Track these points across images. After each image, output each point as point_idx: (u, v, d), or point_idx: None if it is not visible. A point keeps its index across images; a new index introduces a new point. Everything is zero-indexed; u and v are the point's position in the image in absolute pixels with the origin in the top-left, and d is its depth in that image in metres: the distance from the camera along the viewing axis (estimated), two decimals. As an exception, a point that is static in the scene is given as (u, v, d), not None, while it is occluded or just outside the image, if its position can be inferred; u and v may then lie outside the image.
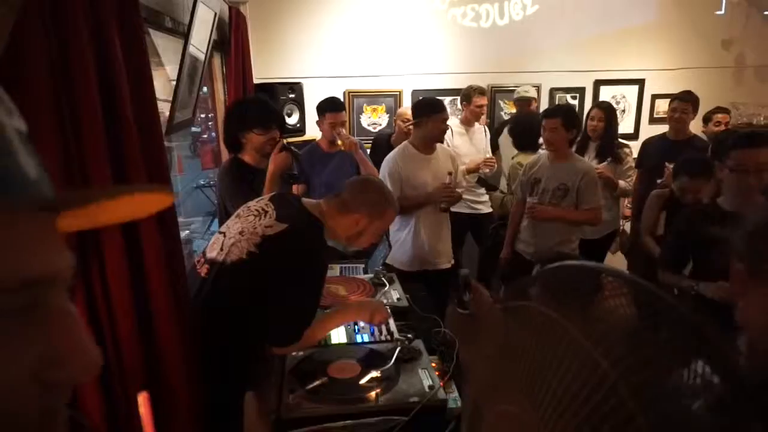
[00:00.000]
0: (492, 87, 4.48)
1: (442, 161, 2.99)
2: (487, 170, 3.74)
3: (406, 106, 3.79)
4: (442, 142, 3.08)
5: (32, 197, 0.34)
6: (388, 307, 2.06)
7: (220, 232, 1.76)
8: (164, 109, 2.33)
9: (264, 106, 2.52)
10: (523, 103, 3.99)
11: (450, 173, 2.91)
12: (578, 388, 0.59)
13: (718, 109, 4.06)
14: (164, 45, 2.52)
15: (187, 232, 3.17)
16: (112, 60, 1.04)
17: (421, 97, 3.44)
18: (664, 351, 0.57)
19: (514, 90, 4.13)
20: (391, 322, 1.95)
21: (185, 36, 2.22)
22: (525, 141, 3.63)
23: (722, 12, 4.58)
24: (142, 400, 1.09)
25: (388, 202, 1.80)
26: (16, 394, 0.33)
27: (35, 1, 0.67)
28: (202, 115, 4.09)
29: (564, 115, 2.92)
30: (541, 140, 3.24)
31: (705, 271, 2.14)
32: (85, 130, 0.95)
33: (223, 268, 1.63)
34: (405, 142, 3.03)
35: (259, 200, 1.80)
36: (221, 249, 1.66)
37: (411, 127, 3.50)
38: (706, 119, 4.06)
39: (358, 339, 1.86)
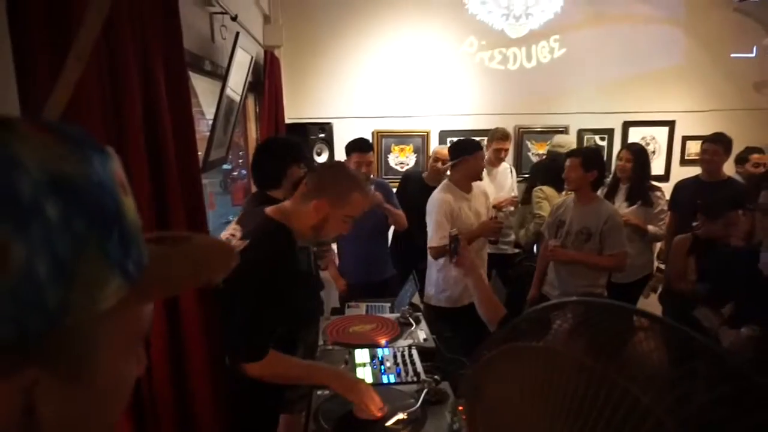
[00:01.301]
0: (520, 128, 4.50)
1: (479, 198, 3.12)
2: (512, 208, 3.77)
3: (442, 146, 3.89)
4: (481, 179, 3.15)
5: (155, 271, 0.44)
6: (415, 348, 2.03)
7: None
8: (200, 147, 2.41)
9: (300, 144, 2.65)
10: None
11: (495, 207, 3.09)
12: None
13: (753, 150, 3.97)
14: (202, 86, 2.64)
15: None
16: (158, 102, 1.10)
17: (456, 139, 3.53)
18: (704, 389, 0.57)
19: (542, 131, 4.15)
20: (418, 363, 1.92)
21: (223, 79, 2.32)
22: (549, 176, 3.63)
23: (753, 54, 4.57)
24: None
25: (353, 187, 1.67)
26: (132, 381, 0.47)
27: (96, 49, 0.72)
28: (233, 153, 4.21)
29: (584, 155, 2.93)
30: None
31: (746, 314, 2.09)
32: (132, 167, 0.99)
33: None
34: (447, 182, 3.11)
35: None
36: None
37: (443, 166, 3.57)
38: (741, 160, 3.97)
39: (384, 380, 1.84)
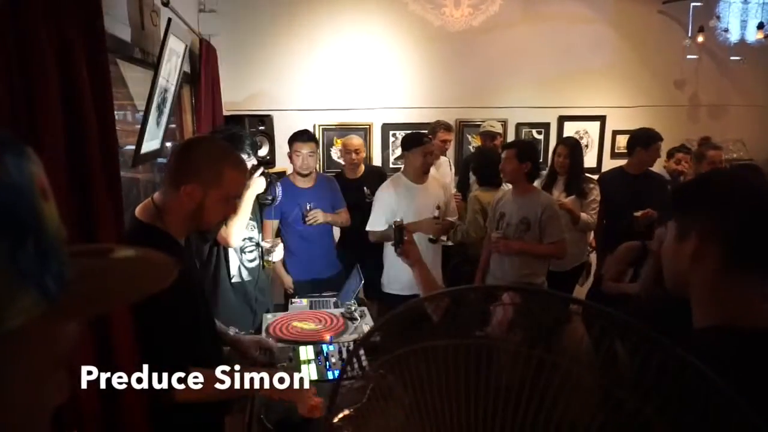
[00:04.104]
0: (460, 121, 4.57)
1: (432, 191, 3.13)
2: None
3: (348, 137, 3.86)
4: (427, 172, 3.16)
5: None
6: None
7: None
8: (132, 139, 2.29)
9: (247, 136, 2.59)
10: (488, 137, 4.08)
11: (438, 207, 3.05)
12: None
13: (681, 148, 4.22)
14: (133, 76, 2.49)
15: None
16: (79, 90, 1.02)
17: (407, 132, 3.57)
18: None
19: (481, 124, 4.23)
20: (363, 358, 1.91)
21: (155, 67, 2.20)
22: (486, 177, 3.65)
23: (675, 54, 4.86)
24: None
25: (224, 162, 1.43)
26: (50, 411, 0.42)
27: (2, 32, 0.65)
28: (167, 144, 4.02)
29: (518, 147, 3.03)
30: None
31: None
32: (49, 161, 0.91)
33: None
34: (398, 173, 3.19)
35: None
36: None
37: (356, 159, 3.62)
38: (670, 154, 4.21)
39: (330, 376, 1.82)
